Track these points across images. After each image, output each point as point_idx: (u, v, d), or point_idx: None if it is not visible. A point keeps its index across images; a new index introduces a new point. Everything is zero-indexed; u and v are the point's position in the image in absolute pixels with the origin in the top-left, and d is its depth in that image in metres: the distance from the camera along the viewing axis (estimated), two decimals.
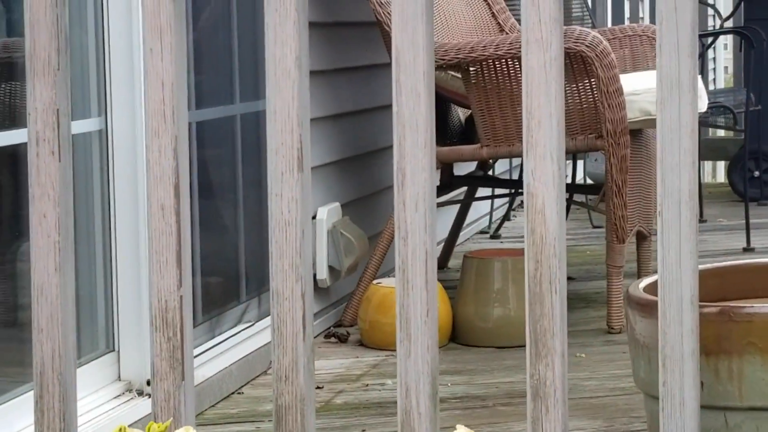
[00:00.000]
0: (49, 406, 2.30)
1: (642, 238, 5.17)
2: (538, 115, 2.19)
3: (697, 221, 2.16)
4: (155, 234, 2.31)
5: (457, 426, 1.76)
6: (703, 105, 4.88)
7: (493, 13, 5.50)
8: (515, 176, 6.34)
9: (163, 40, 2.28)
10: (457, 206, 5.55)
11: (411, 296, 2.22)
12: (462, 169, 5.35)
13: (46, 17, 2.29)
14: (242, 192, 4.24)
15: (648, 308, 2.26)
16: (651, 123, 4.62)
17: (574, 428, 3.38)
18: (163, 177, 2.28)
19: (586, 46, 4.41)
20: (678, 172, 2.13)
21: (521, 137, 4.01)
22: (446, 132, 5.01)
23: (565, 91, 4.46)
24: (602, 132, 4.53)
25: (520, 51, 4.08)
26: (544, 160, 2.18)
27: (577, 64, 4.50)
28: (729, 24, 8.43)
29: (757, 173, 7.01)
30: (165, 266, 2.30)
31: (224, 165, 4.30)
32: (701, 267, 2.67)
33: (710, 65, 15.84)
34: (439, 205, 5.43)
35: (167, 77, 2.28)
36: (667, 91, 2.13)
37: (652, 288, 2.37)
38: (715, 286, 2.61)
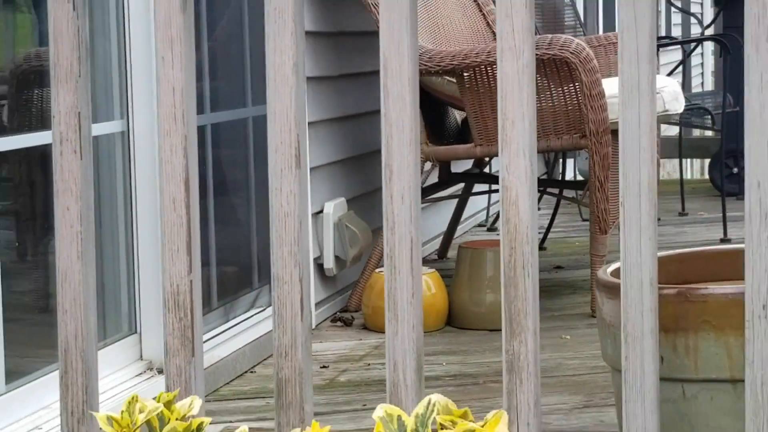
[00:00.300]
0: (73, 380, 2.33)
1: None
2: (512, 116, 2.20)
3: (655, 212, 2.18)
4: (167, 225, 2.34)
5: (433, 394, 1.81)
6: (679, 106, 4.90)
7: (487, 22, 5.47)
8: None
9: (173, 49, 2.31)
10: (455, 201, 5.54)
11: (398, 281, 2.24)
12: (459, 166, 5.35)
13: (68, 29, 2.31)
14: (254, 189, 4.25)
15: (613, 290, 2.27)
16: None
17: (557, 402, 3.47)
18: (174, 173, 2.31)
19: (571, 52, 4.42)
20: (638, 167, 2.15)
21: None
22: (443, 132, 5.01)
23: (551, 93, 4.51)
24: (586, 132, 4.53)
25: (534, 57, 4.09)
26: (517, 157, 2.19)
27: (563, 70, 4.49)
28: (710, 31, 8.47)
29: (735, 170, 7.04)
30: (176, 254, 2.32)
31: (237, 164, 4.32)
32: (664, 254, 2.70)
33: (699, 70, 15.82)
34: (438, 200, 5.49)
35: (177, 83, 2.30)
36: (627, 95, 2.15)
37: (618, 272, 2.34)
38: (675, 270, 2.63)
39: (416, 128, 2.26)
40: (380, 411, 1.66)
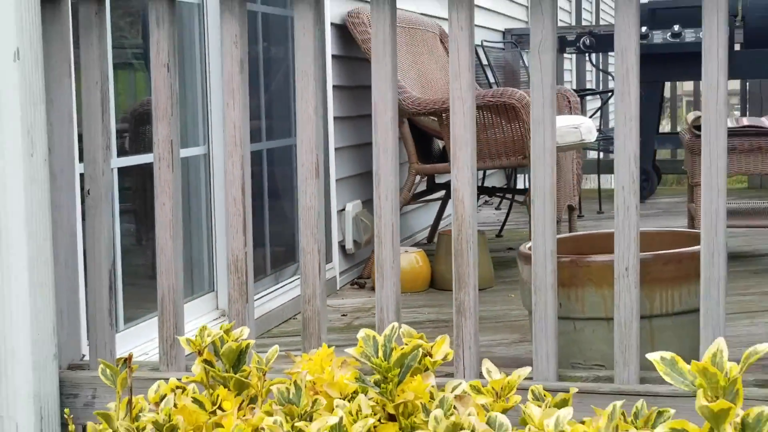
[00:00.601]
0: (166, 319, 2.36)
1: (571, 209, 5.33)
2: (461, 142, 2.25)
3: (554, 207, 2.20)
4: (229, 215, 2.35)
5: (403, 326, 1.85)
6: (593, 137, 4.90)
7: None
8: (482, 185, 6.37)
9: (234, 98, 2.32)
10: (439, 202, 5.50)
11: (383, 252, 2.28)
12: (442, 178, 5.26)
13: (164, 85, 2.33)
14: (294, 192, 4.29)
15: (528, 259, 2.27)
16: (560, 149, 4.72)
17: (502, 339, 3.51)
18: (234, 181, 2.33)
19: (516, 100, 4.38)
20: (543, 177, 2.18)
21: (478, 159, 4.08)
22: (429, 155, 4.98)
23: (503, 128, 4.55)
24: (526, 154, 4.46)
25: (477, 104, 4.11)
26: (463, 170, 2.23)
27: (510, 112, 4.46)
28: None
29: (642, 178, 7.05)
30: (236, 234, 2.34)
31: (284, 176, 4.32)
32: (564, 235, 2.78)
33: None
34: (426, 201, 5.50)
35: (237, 121, 2.32)
36: (536, 127, 2.18)
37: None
38: (573, 246, 2.64)
39: (396, 150, 2.28)
40: (362, 332, 1.69)
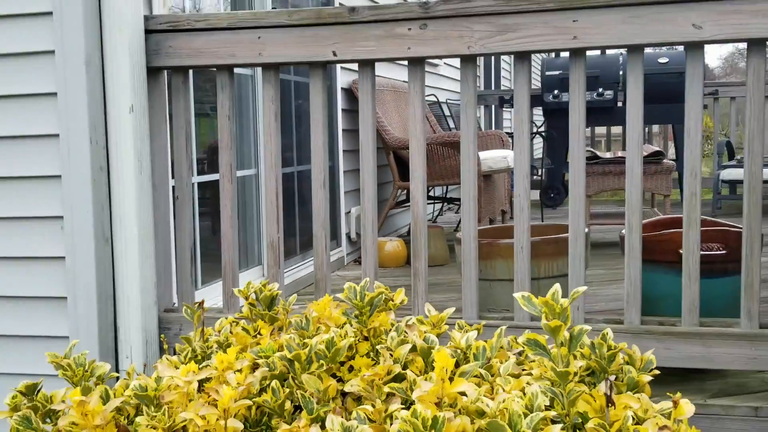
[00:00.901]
0: (227, 281, 2.42)
1: (503, 213, 5.23)
2: (415, 166, 2.28)
3: (475, 208, 2.23)
4: (268, 212, 2.41)
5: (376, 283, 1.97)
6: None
7: (427, 118, 5.59)
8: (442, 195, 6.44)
9: (271, 137, 2.39)
10: None
11: (367, 239, 2.33)
12: None
13: (226, 128, 2.40)
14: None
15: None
16: (494, 172, 4.82)
17: (449, 297, 3.39)
18: (270, 190, 2.40)
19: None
20: (468, 189, 2.23)
21: (440, 178, 4.12)
22: (407, 175, 4.88)
23: (453, 158, 4.65)
24: None
25: (438, 141, 4.14)
26: (417, 183, 2.28)
27: (457, 146, 4.53)
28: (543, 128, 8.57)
29: (552, 195, 7.14)
30: (272, 224, 2.40)
31: (308, 189, 4.31)
32: (488, 227, 2.82)
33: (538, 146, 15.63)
34: (406, 208, 5.57)
35: (273, 152, 2.39)
36: (464, 158, 2.23)
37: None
38: (493, 233, 2.66)
39: (374, 173, 2.33)
40: (346, 284, 1.73)
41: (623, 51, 6.47)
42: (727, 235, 2.28)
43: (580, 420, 1.33)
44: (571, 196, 2.21)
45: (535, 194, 8.70)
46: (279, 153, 2.42)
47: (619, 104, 6.71)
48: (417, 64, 2.31)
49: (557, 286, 1.36)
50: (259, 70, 3.53)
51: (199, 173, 3.24)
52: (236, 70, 3.28)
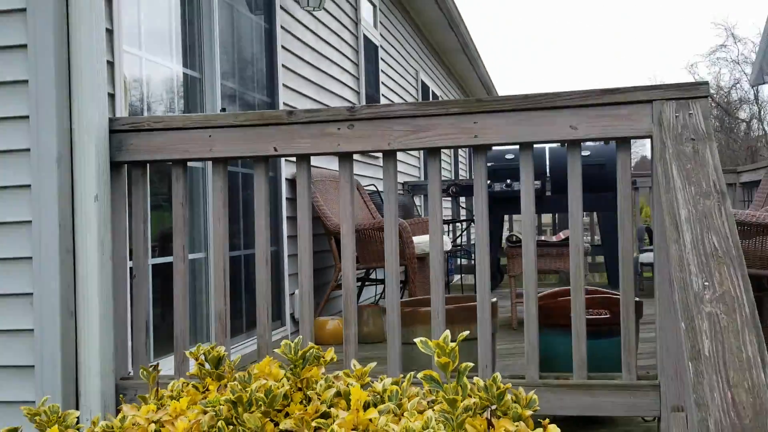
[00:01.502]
0: (179, 349, 2.59)
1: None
2: (345, 245, 2.55)
3: (397, 284, 2.47)
4: (215, 285, 2.60)
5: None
6: (447, 247, 5.36)
7: (364, 201, 5.69)
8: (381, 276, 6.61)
9: (220, 222, 2.64)
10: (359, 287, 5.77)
11: (304, 310, 2.56)
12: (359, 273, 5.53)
13: (180, 214, 2.62)
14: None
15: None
16: (426, 254, 5.12)
17: (384, 369, 3.82)
18: (219, 270, 2.59)
19: (399, 225, 4.81)
20: (391, 267, 2.51)
21: (378, 260, 4.34)
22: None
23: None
24: (406, 257, 4.75)
25: (375, 226, 4.39)
26: (348, 258, 2.52)
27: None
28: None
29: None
30: (219, 297, 2.57)
31: (253, 272, 4.68)
32: (412, 299, 3.15)
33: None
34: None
35: (220, 236, 2.61)
36: (387, 238, 2.66)
37: (405, 303, 2.56)
38: (415, 303, 2.90)
39: (310, 245, 2.58)
40: (283, 342, 2.01)
41: (545, 145, 7.00)
42: (611, 301, 2.67)
43: None
44: (477, 270, 2.58)
45: (471, 278, 9.04)
46: (226, 234, 2.71)
47: (548, 194, 7.19)
48: (346, 158, 2.69)
49: (447, 332, 1.73)
50: (209, 163, 3.75)
51: (154, 256, 3.39)
52: (190, 164, 3.62)
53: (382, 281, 5.84)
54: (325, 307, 5.19)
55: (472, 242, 11.03)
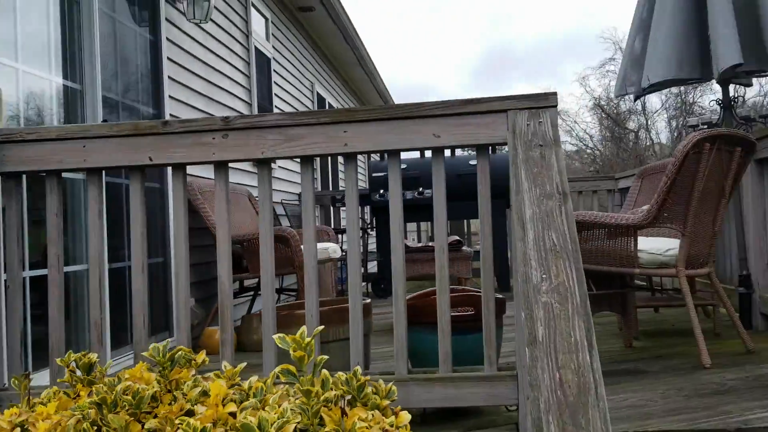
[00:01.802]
0: (53, 361, 2.62)
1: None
2: (221, 253, 2.57)
3: (272, 293, 2.59)
4: (92, 295, 2.63)
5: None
6: (336, 255, 5.40)
7: (257, 212, 5.75)
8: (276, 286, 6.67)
9: (95, 233, 2.64)
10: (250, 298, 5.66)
11: (180, 313, 2.56)
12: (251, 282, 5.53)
13: (54, 225, 2.60)
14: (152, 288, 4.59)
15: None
16: (319, 261, 5.22)
17: None
18: (94, 276, 2.67)
19: (288, 234, 4.74)
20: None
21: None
22: (240, 268, 5.03)
23: (285, 250, 5.07)
24: (296, 265, 4.84)
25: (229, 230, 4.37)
26: (223, 265, 2.55)
27: (286, 241, 4.78)
28: None
29: (383, 286, 7.61)
30: (95, 306, 2.58)
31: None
32: (291, 303, 3.18)
33: None
34: (244, 299, 5.92)
35: (97, 242, 2.62)
36: (262, 247, 2.75)
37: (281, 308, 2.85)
38: (296, 306, 2.94)
39: (186, 253, 2.56)
40: (152, 344, 2.12)
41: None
42: (475, 299, 2.82)
43: (324, 428, 1.78)
44: (350, 273, 2.69)
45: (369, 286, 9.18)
46: (103, 243, 2.73)
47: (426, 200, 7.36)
48: (221, 166, 2.75)
49: (303, 328, 1.83)
50: None
51: (30, 268, 3.34)
52: (70, 175, 3.60)
53: (277, 291, 5.89)
54: (215, 317, 5.20)
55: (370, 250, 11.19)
